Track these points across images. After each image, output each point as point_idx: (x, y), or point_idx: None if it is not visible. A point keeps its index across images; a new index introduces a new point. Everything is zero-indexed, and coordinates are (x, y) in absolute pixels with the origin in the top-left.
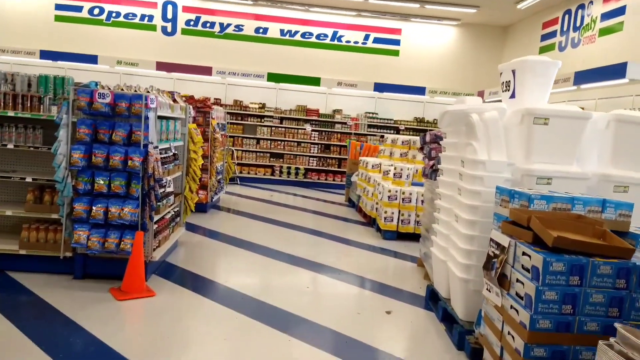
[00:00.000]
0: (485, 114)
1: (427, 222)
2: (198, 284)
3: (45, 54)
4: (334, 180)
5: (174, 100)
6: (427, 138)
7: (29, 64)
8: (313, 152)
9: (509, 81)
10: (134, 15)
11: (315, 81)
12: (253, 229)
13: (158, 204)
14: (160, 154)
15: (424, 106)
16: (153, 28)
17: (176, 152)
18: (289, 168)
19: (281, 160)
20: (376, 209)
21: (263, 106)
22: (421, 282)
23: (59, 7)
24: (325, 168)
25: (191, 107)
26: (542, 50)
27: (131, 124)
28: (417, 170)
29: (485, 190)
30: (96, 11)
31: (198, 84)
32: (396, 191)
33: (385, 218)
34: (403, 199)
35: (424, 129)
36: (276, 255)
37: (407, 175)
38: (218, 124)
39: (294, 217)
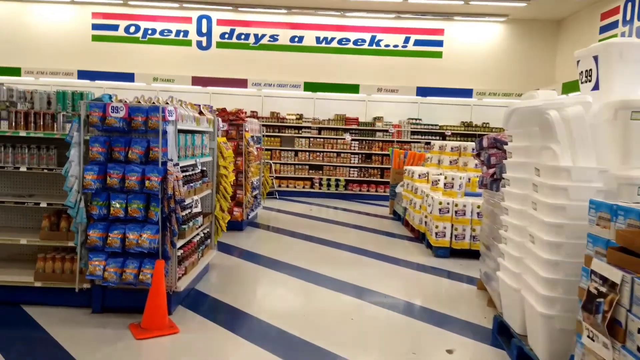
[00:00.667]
0: (567, 109)
1: (486, 238)
2: (229, 316)
3: (82, 74)
4: (376, 191)
5: (200, 113)
6: (485, 143)
7: (67, 84)
8: (353, 163)
9: (590, 70)
10: (169, 31)
11: (354, 88)
12: (291, 248)
13: (182, 227)
14: (184, 171)
15: (472, 109)
16: (188, 43)
17: (204, 168)
18: (328, 180)
19: (320, 172)
20: (425, 222)
21: (300, 117)
22: (484, 309)
23: (95, 26)
24: (367, 179)
25: (220, 119)
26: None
27: (149, 140)
28: (469, 179)
29: (571, 204)
30: (132, 29)
31: (234, 97)
32: (448, 203)
33: (436, 233)
34: (456, 212)
35: (472, 133)
36: (317, 279)
37: (460, 185)
38: (253, 137)
39: (335, 233)
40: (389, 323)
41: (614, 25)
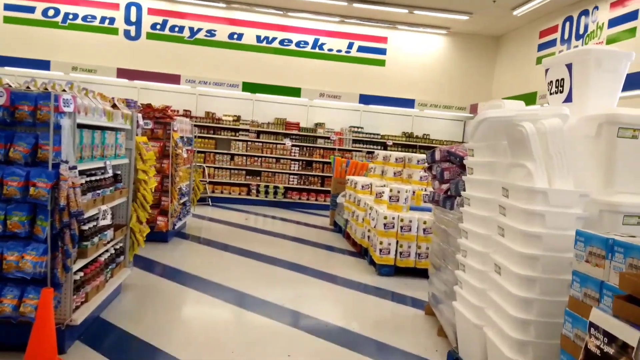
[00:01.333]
0: (544, 122)
1: (436, 258)
2: (137, 355)
3: None
4: (316, 200)
5: (114, 106)
6: (437, 155)
7: None
8: (293, 170)
9: (562, 79)
10: (94, 17)
11: (296, 92)
12: (221, 264)
13: (83, 244)
14: (91, 175)
15: (413, 120)
16: (115, 32)
17: (118, 172)
18: (266, 187)
19: (258, 178)
20: (368, 237)
21: (238, 119)
22: (434, 339)
23: (8, 7)
24: (307, 187)
25: (140, 115)
26: (540, 60)
27: (37, 136)
28: (414, 193)
29: (548, 232)
30: (51, 12)
31: (165, 94)
32: (393, 218)
33: (380, 250)
34: (402, 228)
35: (413, 144)
36: (248, 303)
37: (406, 199)
38: (182, 137)
39: (271, 247)
40: (328, 357)
41: (552, 43)
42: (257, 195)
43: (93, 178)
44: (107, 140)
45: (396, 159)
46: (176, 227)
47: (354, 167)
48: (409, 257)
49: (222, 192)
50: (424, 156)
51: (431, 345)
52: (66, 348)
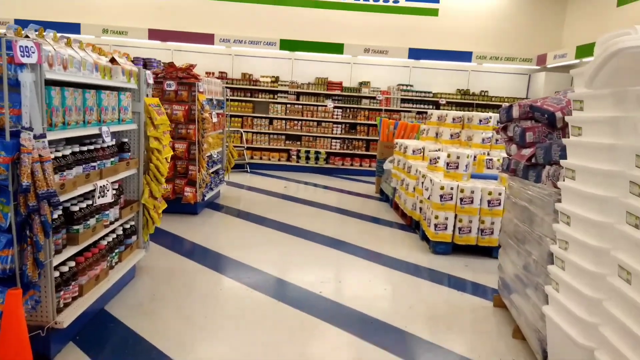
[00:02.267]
0: None
1: (507, 238)
2: None
3: (20, 24)
4: (361, 165)
5: (112, 60)
6: (515, 112)
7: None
8: (336, 133)
9: None
10: None
11: (338, 48)
12: (255, 241)
13: (73, 229)
14: (85, 144)
15: (469, 75)
16: None
17: (125, 140)
18: (307, 152)
19: (298, 143)
20: (420, 209)
21: (276, 80)
22: (509, 344)
23: None
24: (351, 152)
25: (149, 73)
26: (623, 1)
27: None
28: (475, 158)
29: None
30: None
31: (200, 56)
32: (452, 188)
33: (435, 225)
34: (461, 200)
35: (469, 102)
36: (284, 290)
37: (466, 166)
38: (211, 100)
39: (312, 219)
40: None
41: None
42: (297, 162)
43: (85, 148)
44: (104, 102)
45: (453, 119)
46: (206, 198)
47: (402, 130)
48: (469, 233)
49: (260, 159)
50: (488, 115)
51: (505, 351)
52: (53, 354)
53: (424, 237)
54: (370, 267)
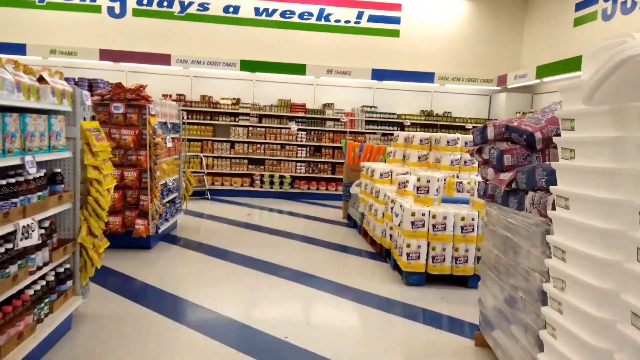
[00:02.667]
0: None
1: (487, 269)
2: None
3: None
4: (327, 189)
5: (41, 79)
6: (489, 133)
7: None
8: (301, 156)
9: None
10: None
11: (300, 69)
12: (213, 278)
13: None
14: (4, 176)
15: (432, 97)
16: (97, 9)
17: (58, 170)
18: (271, 177)
19: (262, 167)
20: (390, 236)
21: (237, 102)
22: None
23: None
24: (317, 175)
25: (86, 93)
26: (579, 21)
27: None
28: (445, 180)
29: None
30: None
31: (156, 77)
32: (423, 214)
33: (408, 254)
34: (434, 226)
35: (433, 123)
36: (245, 337)
37: (437, 190)
38: (165, 123)
39: (276, 249)
40: None
41: (593, 1)
42: (261, 187)
43: (4, 182)
44: (29, 127)
45: (421, 141)
46: (161, 231)
47: (368, 152)
48: (443, 262)
49: (222, 184)
50: (455, 136)
51: None
52: None
53: (396, 267)
54: (340, 303)
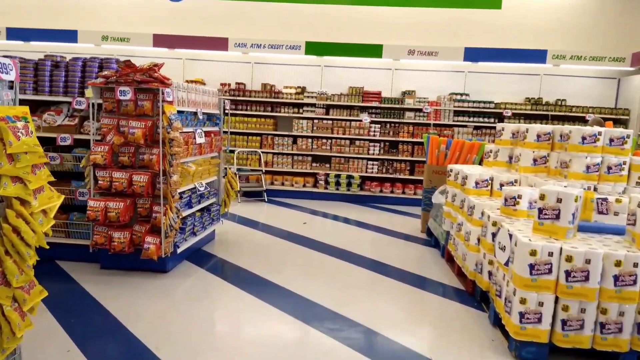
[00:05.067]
0: None
1: None
2: None
3: (12, 33)
4: (404, 193)
5: None
6: None
7: None
8: (373, 154)
9: None
10: None
11: (376, 51)
12: (237, 330)
13: None
14: None
15: (541, 81)
16: None
17: None
18: (337, 177)
19: (327, 165)
20: (489, 273)
21: (302, 90)
22: None
23: None
24: (392, 176)
25: (12, 63)
26: None
27: None
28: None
29: None
30: None
31: (215, 65)
32: (550, 254)
33: (522, 315)
34: (569, 274)
35: (542, 114)
36: None
37: (574, 214)
38: (195, 113)
39: (331, 282)
40: None
41: None
42: (325, 188)
43: None
44: None
45: (538, 136)
46: (183, 249)
47: (457, 150)
48: (580, 329)
49: (282, 184)
50: (596, 129)
51: None
52: None
53: (497, 321)
54: None
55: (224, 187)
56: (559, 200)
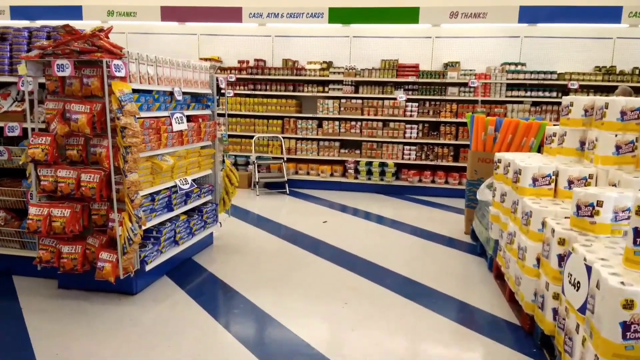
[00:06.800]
0: None
1: None
2: None
3: (17, 12)
4: (446, 182)
5: None
6: None
7: None
8: (410, 137)
9: None
10: None
11: (411, 15)
12: None
13: None
14: None
15: (614, 45)
16: None
17: None
18: (369, 164)
19: (357, 152)
20: (554, 312)
21: (328, 66)
22: None
23: None
24: (432, 163)
25: None
26: None
27: None
28: None
29: None
30: None
31: (232, 40)
32: None
33: None
34: None
35: (614, 86)
36: None
37: None
38: (171, 93)
39: (344, 314)
40: None
41: None
42: (355, 177)
43: None
44: None
45: (623, 113)
46: (151, 267)
47: (510, 132)
48: None
49: (308, 173)
50: None
51: None
52: None
53: None
54: None
55: (222, 182)
56: None
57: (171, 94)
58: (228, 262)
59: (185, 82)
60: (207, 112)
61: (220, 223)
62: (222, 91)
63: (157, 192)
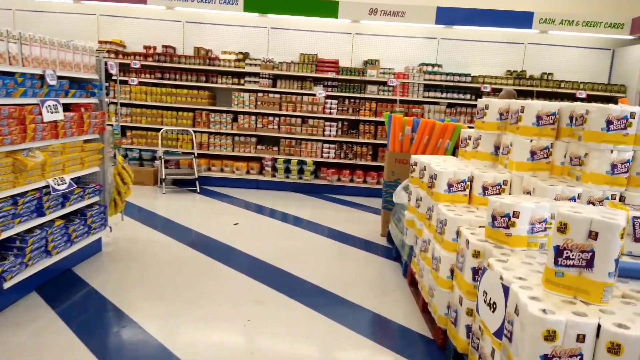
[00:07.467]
0: None
1: None
2: None
3: None
4: (365, 182)
5: None
6: None
7: None
8: (329, 135)
9: None
10: None
11: (330, 9)
12: None
13: None
14: None
15: (525, 51)
16: None
17: None
18: (287, 162)
19: (275, 148)
20: (468, 329)
21: (244, 57)
22: None
23: None
24: (351, 162)
25: None
26: None
27: None
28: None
29: None
30: None
31: (139, 23)
32: (580, 336)
33: None
34: None
35: (525, 90)
36: None
37: (616, 262)
38: (42, 76)
39: (246, 333)
40: None
41: None
42: (273, 175)
43: None
44: None
45: (539, 118)
46: (11, 284)
47: (426, 133)
48: None
49: (222, 170)
50: (625, 108)
51: None
52: None
53: None
54: None
55: (112, 181)
56: (593, 236)
57: (41, 77)
58: (115, 274)
59: (63, 64)
60: (93, 100)
61: (110, 227)
62: (114, 77)
63: (22, 194)
